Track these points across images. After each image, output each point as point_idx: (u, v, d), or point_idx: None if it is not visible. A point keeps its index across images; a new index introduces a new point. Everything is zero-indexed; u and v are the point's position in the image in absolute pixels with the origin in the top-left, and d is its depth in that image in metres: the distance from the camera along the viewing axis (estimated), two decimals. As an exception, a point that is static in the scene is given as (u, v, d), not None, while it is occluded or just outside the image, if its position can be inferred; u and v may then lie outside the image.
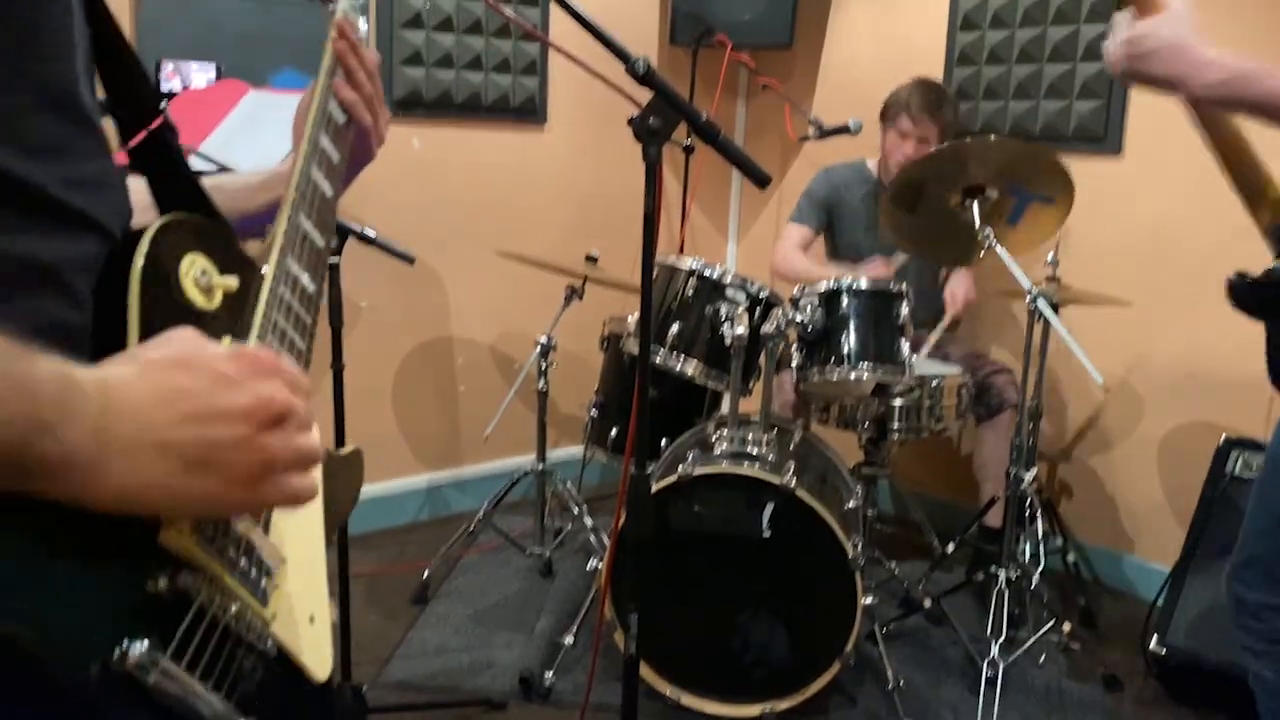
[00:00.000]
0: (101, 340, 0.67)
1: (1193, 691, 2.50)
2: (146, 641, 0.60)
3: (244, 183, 1.06)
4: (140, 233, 0.71)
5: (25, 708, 0.57)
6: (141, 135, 0.82)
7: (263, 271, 0.81)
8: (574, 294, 3.01)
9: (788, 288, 2.70)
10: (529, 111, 3.52)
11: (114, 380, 0.60)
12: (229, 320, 0.76)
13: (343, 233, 2.01)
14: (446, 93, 3.30)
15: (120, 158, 0.80)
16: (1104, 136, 3.11)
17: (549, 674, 2.44)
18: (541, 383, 2.98)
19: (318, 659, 0.79)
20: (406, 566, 3.08)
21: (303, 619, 0.78)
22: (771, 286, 2.54)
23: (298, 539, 0.80)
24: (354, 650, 2.14)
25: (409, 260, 2.20)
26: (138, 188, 0.82)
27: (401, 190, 3.30)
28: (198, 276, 0.74)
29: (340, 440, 2.07)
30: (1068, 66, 3.15)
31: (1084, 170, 3.09)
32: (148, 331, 0.67)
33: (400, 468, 3.48)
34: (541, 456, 3.04)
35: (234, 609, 0.69)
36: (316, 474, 0.71)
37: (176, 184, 0.84)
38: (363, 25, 1.04)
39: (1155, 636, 2.51)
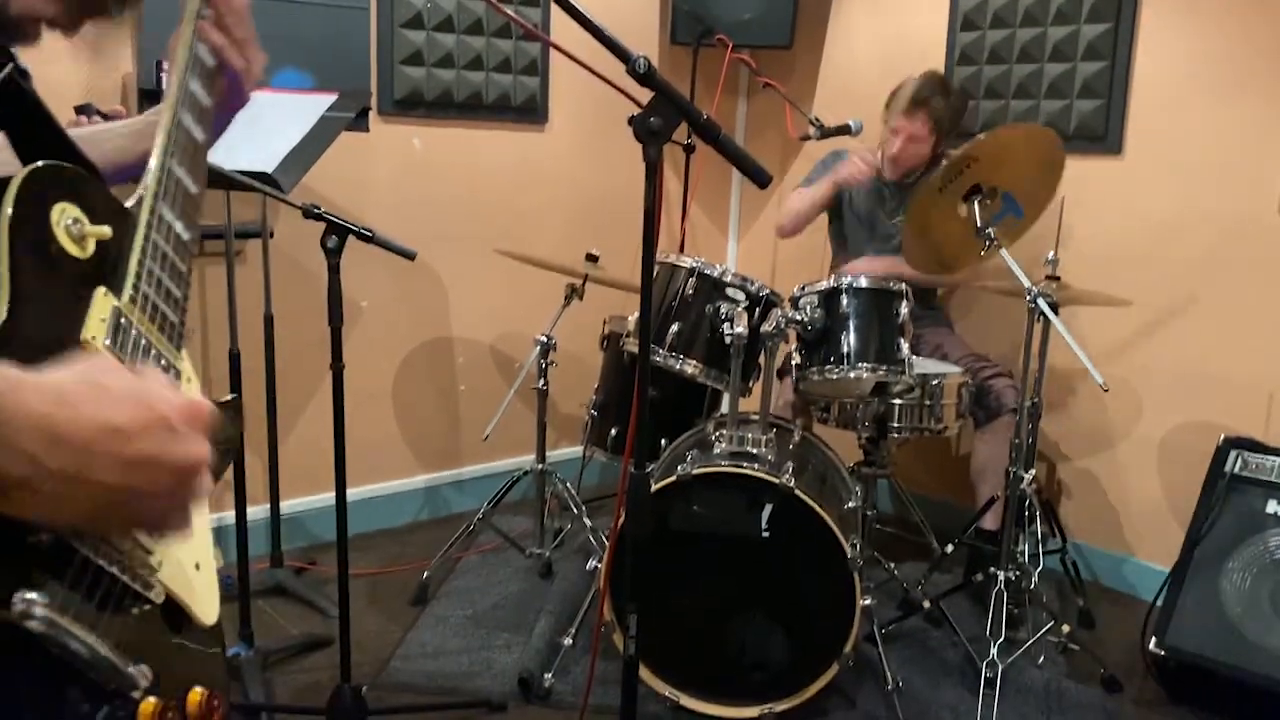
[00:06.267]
0: None
1: (1192, 692, 2.50)
2: (32, 592, 0.61)
3: (117, 133, 1.04)
4: (4, 181, 0.69)
5: None
6: None
7: (136, 219, 0.80)
8: (574, 293, 3.01)
9: (786, 280, 2.70)
10: (530, 111, 3.52)
11: (58, 415, 0.59)
12: (103, 269, 0.75)
13: (342, 231, 2.00)
14: (447, 92, 3.30)
15: None
16: (1104, 136, 3.11)
17: (548, 675, 2.43)
18: (541, 382, 2.97)
19: (205, 604, 0.81)
20: (406, 567, 3.08)
21: (189, 565, 0.80)
22: (770, 278, 2.54)
23: None
24: (353, 651, 2.13)
25: (410, 256, 2.19)
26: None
27: (402, 190, 3.30)
28: (69, 225, 0.73)
29: (341, 439, 2.07)
30: (1068, 66, 3.15)
31: (1084, 170, 3.11)
32: (19, 283, 0.66)
33: (400, 468, 3.47)
34: (541, 456, 3.04)
35: (119, 558, 0.70)
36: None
37: (38, 133, 0.81)
38: None
39: (1154, 637, 2.51)
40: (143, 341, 0.78)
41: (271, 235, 2.79)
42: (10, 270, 0.66)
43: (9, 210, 0.68)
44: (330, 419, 2.05)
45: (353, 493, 2.30)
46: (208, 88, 0.96)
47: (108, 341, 0.73)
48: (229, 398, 0.99)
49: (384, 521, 3.40)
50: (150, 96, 2.62)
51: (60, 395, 0.60)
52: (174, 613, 0.77)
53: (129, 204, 0.82)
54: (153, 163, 0.85)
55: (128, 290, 0.77)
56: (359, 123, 3.11)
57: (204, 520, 0.86)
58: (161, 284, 0.81)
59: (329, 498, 2.12)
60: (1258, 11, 2.80)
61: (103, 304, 0.74)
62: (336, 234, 1.99)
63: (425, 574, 2.94)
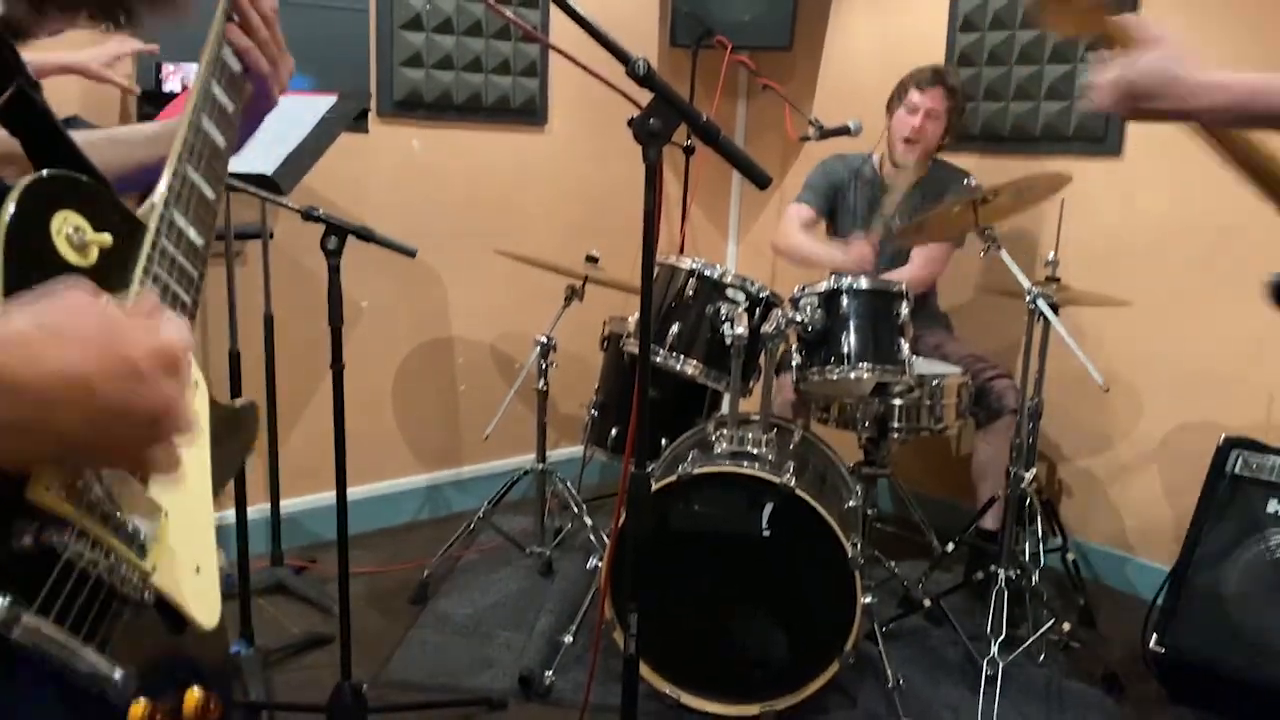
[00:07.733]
0: None
1: (1192, 691, 2.50)
2: (8, 598, 0.61)
3: (139, 135, 1.04)
4: (5, 190, 0.70)
5: None
6: (4, 97, 0.79)
7: (146, 225, 0.81)
8: (574, 294, 3.01)
9: (786, 280, 2.71)
10: (529, 113, 3.53)
11: (16, 364, 0.58)
12: (107, 276, 0.75)
13: (341, 232, 2.01)
14: (446, 94, 3.31)
15: None
16: (1104, 137, 3.11)
17: (549, 673, 2.44)
18: (541, 382, 2.98)
19: (205, 608, 0.81)
20: (406, 566, 3.08)
21: (188, 569, 0.79)
22: (770, 279, 2.55)
23: (181, 491, 0.81)
24: (354, 649, 2.14)
25: (410, 253, 2.20)
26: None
27: (402, 191, 3.30)
28: (70, 233, 0.73)
29: (341, 439, 2.07)
30: (1068, 67, 3.15)
31: (1084, 170, 3.11)
32: (16, 292, 0.66)
33: (400, 467, 3.48)
34: (541, 456, 3.04)
35: (107, 562, 0.69)
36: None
37: (47, 142, 0.82)
38: None
39: (1155, 636, 2.51)
40: None
41: (271, 236, 2.80)
42: (5, 279, 0.66)
43: (6, 219, 0.67)
44: (330, 419, 2.05)
45: (353, 492, 2.30)
46: (232, 93, 0.96)
47: None
48: (244, 402, 0.99)
49: (384, 521, 3.41)
50: (150, 98, 2.62)
51: (18, 342, 0.58)
52: (171, 614, 0.76)
53: (142, 209, 0.83)
54: (167, 167, 0.85)
55: (131, 296, 0.77)
56: (358, 124, 3.12)
57: (207, 521, 0.85)
58: (168, 289, 0.81)
59: (329, 497, 2.12)
60: (1258, 11, 2.80)
61: None
62: (336, 235, 1.99)
63: (426, 572, 2.94)
